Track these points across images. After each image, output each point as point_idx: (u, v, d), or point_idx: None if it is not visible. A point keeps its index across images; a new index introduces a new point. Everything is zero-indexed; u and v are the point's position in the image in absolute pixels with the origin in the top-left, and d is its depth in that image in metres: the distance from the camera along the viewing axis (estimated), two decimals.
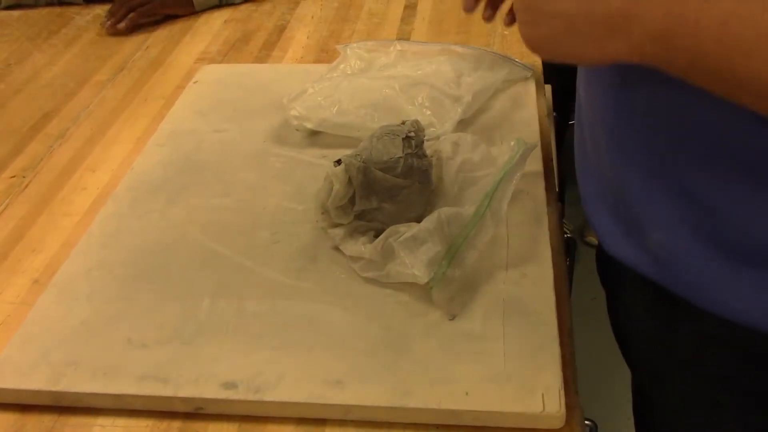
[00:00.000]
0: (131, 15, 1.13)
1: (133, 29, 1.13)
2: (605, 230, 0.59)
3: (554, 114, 0.98)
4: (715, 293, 0.52)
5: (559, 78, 1.02)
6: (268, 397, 0.53)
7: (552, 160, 0.79)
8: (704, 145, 0.48)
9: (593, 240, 1.94)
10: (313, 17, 1.14)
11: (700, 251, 0.51)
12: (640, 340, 0.63)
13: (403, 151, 0.64)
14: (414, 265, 0.59)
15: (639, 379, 0.68)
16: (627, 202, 0.55)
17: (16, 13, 1.22)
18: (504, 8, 0.77)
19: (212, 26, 1.14)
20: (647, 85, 0.49)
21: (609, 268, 0.66)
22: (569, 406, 0.52)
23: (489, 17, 0.76)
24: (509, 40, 1.01)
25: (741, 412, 0.58)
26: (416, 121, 0.68)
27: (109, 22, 1.13)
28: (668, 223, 0.52)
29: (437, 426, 0.52)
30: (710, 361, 0.56)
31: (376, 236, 0.62)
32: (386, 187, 0.64)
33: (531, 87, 0.87)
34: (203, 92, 0.92)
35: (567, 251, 1.08)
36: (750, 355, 0.53)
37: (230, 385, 0.54)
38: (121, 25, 1.12)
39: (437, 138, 0.74)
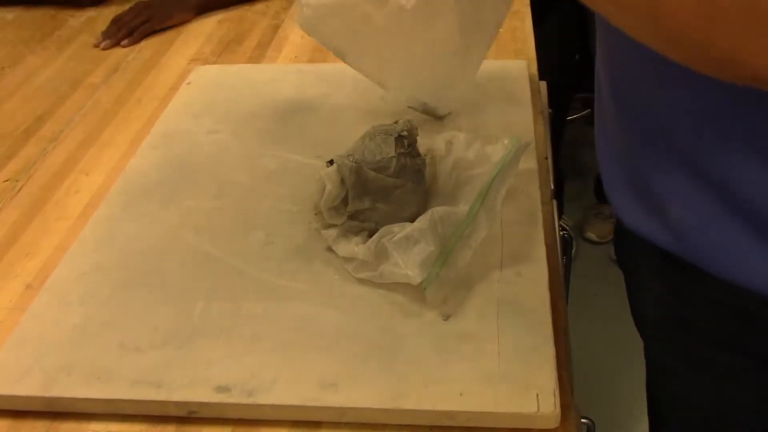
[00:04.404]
0: (135, 35, 1.10)
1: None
2: (625, 207, 0.60)
3: (550, 111, 0.98)
4: (733, 263, 0.53)
5: (554, 75, 1.02)
6: (262, 400, 0.53)
7: (547, 158, 0.78)
8: (719, 123, 0.49)
9: (592, 236, 1.94)
10: None
11: (719, 225, 0.52)
12: (655, 312, 0.64)
13: (395, 151, 0.64)
14: (407, 266, 0.58)
15: (652, 350, 0.69)
16: (646, 180, 0.56)
17: (9, 15, 1.22)
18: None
19: (205, 27, 1.13)
20: (658, 65, 0.49)
21: (627, 247, 0.67)
22: (564, 406, 0.51)
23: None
24: (504, 38, 1.01)
25: (750, 376, 0.59)
26: (409, 120, 0.67)
27: (104, 43, 1.10)
28: (687, 198, 0.53)
29: (431, 427, 0.52)
30: (720, 326, 0.58)
31: (370, 236, 0.62)
32: (379, 187, 0.64)
33: (525, 84, 0.87)
34: (196, 94, 0.92)
35: (564, 249, 1.07)
36: (759, 319, 0.55)
37: (224, 389, 0.54)
38: (124, 43, 1.09)
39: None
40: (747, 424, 0.64)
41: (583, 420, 0.75)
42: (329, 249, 0.65)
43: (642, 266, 0.64)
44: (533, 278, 0.61)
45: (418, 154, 0.67)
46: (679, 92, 0.50)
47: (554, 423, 0.51)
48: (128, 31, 1.11)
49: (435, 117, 0.81)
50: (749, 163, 0.49)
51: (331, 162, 0.63)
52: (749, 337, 0.57)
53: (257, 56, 1.04)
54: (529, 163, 0.73)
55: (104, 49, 1.09)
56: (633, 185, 0.59)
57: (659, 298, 0.63)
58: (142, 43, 1.09)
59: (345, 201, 0.63)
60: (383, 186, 0.64)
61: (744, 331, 0.57)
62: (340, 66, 0.97)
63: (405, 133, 0.65)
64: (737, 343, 0.58)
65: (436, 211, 0.61)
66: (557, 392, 0.51)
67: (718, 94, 0.48)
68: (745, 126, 0.48)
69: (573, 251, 1.77)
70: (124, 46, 1.09)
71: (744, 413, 0.63)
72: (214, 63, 1.03)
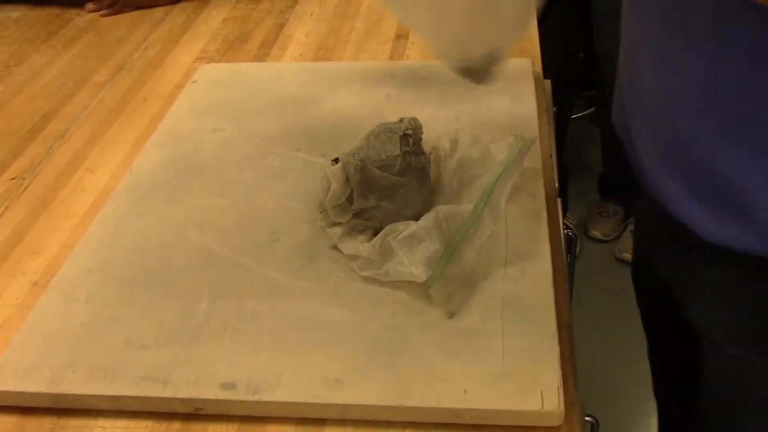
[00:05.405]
0: (115, 6, 1.18)
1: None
2: (704, 219, 0.58)
3: (554, 109, 0.98)
4: None
5: (559, 73, 1.02)
6: (268, 397, 0.53)
7: (551, 156, 0.78)
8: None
9: (596, 234, 1.94)
10: (311, 15, 1.14)
11: None
12: (732, 314, 0.64)
13: (400, 149, 0.64)
14: (412, 264, 0.59)
15: (718, 345, 0.68)
16: (731, 184, 0.55)
17: (14, 14, 1.22)
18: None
19: (211, 25, 1.14)
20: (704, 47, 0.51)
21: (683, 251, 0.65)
22: (568, 403, 0.51)
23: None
24: None
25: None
26: (414, 119, 0.68)
27: (89, 6, 1.18)
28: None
29: (436, 425, 0.52)
30: None
31: (375, 235, 0.62)
32: (384, 186, 0.64)
33: (530, 83, 0.87)
34: (202, 92, 0.92)
35: (568, 247, 1.07)
36: None
37: (229, 386, 0.54)
38: (103, 12, 1.17)
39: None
40: None
41: (587, 418, 0.75)
42: (334, 247, 0.65)
43: (713, 273, 0.63)
44: (537, 276, 0.61)
45: (423, 153, 0.67)
46: None
47: (558, 420, 0.51)
48: (112, 1, 1.19)
49: (477, 80, 0.70)
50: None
51: (336, 160, 0.63)
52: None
53: (262, 55, 1.04)
54: (533, 161, 0.73)
55: (89, 12, 1.19)
56: (713, 194, 0.56)
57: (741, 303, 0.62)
58: (148, 41, 1.10)
59: (350, 199, 0.63)
60: (388, 184, 0.64)
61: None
62: (345, 64, 0.98)
63: (410, 131, 0.66)
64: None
65: (441, 209, 0.61)
66: (561, 389, 0.52)
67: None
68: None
69: (577, 249, 1.77)
70: (102, 15, 1.17)
71: None
72: (219, 61, 1.03)
